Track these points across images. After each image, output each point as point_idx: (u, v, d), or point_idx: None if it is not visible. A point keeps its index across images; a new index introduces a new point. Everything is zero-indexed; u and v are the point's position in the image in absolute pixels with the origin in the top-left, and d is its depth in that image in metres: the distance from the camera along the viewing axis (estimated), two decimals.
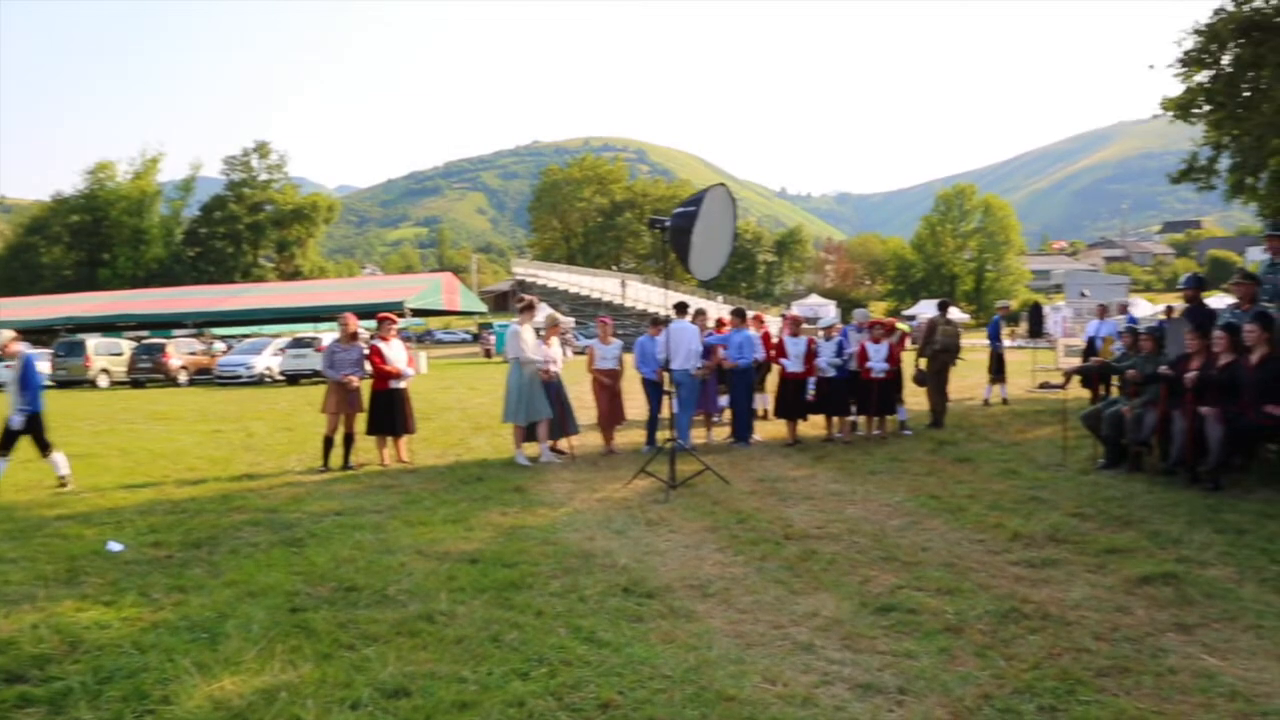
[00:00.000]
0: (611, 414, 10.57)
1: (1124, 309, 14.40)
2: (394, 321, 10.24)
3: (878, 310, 58.20)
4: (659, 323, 10.75)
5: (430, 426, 13.08)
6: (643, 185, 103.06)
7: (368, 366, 9.84)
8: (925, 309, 50.99)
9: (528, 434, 9.91)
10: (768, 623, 4.53)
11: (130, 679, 3.91)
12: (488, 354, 42.79)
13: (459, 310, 40.94)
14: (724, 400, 11.92)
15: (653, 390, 10.61)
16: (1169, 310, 13.15)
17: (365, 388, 9.87)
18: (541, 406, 9.75)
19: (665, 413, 9.04)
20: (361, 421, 9.86)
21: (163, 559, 6.00)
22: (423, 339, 58.41)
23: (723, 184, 8.87)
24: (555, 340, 10.42)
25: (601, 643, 4.23)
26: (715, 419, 11.78)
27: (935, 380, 12.13)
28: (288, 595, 5.05)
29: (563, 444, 10.37)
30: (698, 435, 11.22)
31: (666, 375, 9.52)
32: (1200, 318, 8.53)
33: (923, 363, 12.31)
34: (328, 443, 9.69)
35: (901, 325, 14.64)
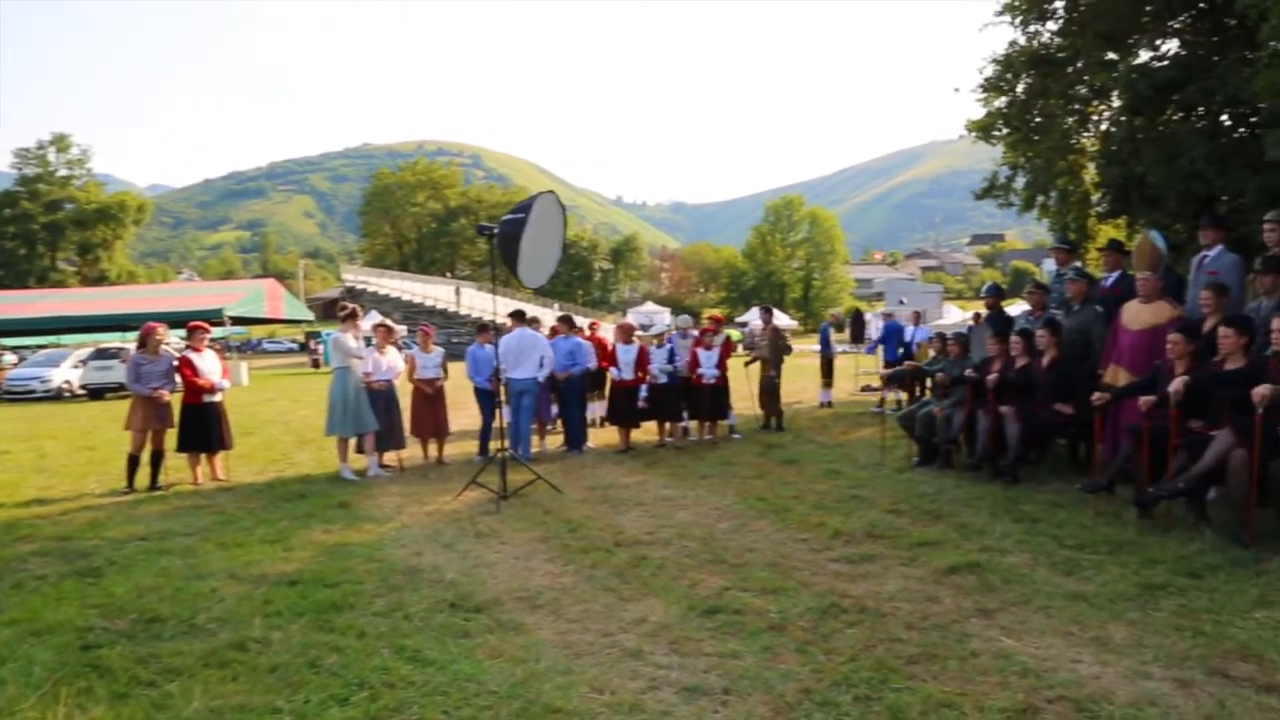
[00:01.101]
0: (434, 424, 10.35)
1: (889, 316, 15.78)
2: (206, 331, 9.65)
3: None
4: (486, 329, 10.63)
5: (250, 442, 12.42)
6: (478, 191, 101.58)
7: (178, 379, 9.24)
8: (756, 316, 52.43)
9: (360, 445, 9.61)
10: (597, 631, 4.53)
11: None
12: (316, 364, 41.06)
13: (284, 318, 39.03)
14: (556, 409, 11.93)
15: (485, 399, 10.47)
16: (976, 317, 14.10)
17: (176, 401, 9.25)
18: (368, 418, 9.43)
19: (500, 422, 8.94)
20: (172, 438, 9.23)
21: None
22: (244, 349, 55.40)
23: (552, 191, 8.88)
24: (391, 349, 10.14)
25: (426, 661, 4.12)
26: (549, 428, 11.77)
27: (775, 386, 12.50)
28: (79, 631, 4.64)
29: (390, 457, 10.07)
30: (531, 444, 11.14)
31: (501, 384, 9.38)
32: (1000, 324, 9.19)
33: (757, 367, 12.64)
34: (133, 462, 9.00)
35: (732, 332, 15.00)
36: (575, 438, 11.08)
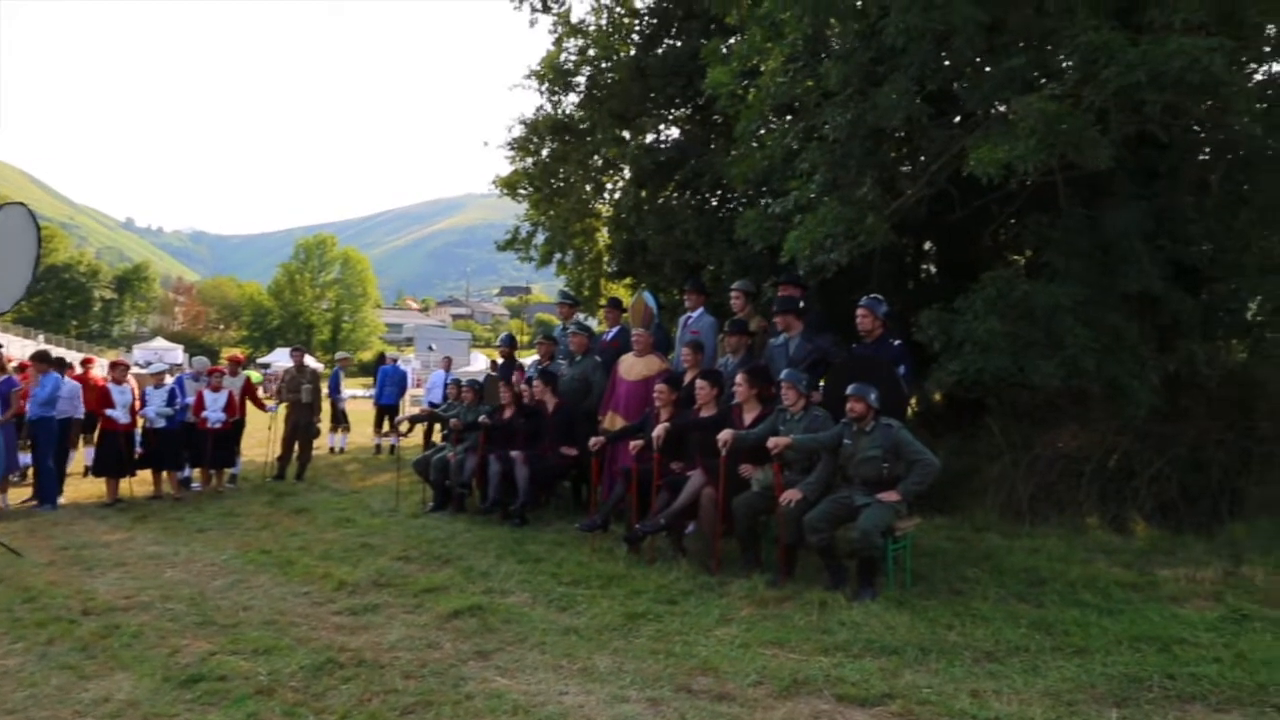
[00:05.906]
0: None
1: (389, 360, 16.65)
2: None
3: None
4: None
5: None
6: None
7: None
8: (280, 357, 49.85)
9: None
10: (46, 719, 3.84)
11: None
12: None
13: None
14: (26, 457, 10.12)
15: None
16: (493, 365, 14.66)
17: None
18: None
19: None
20: None
21: None
22: None
23: (22, 203, 7.64)
24: None
25: None
26: (13, 479, 9.94)
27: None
28: None
29: None
30: None
31: None
32: (512, 372, 9.63)
33: (283, 410, 11.80)
34: None
35: (252, 373, 13.98)
36: (47, 490, 9.42)
